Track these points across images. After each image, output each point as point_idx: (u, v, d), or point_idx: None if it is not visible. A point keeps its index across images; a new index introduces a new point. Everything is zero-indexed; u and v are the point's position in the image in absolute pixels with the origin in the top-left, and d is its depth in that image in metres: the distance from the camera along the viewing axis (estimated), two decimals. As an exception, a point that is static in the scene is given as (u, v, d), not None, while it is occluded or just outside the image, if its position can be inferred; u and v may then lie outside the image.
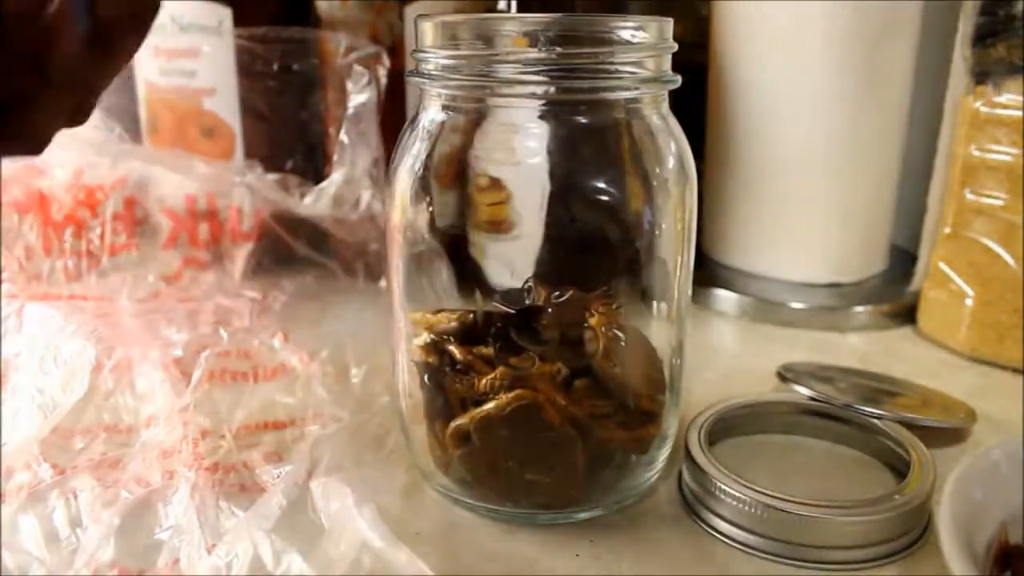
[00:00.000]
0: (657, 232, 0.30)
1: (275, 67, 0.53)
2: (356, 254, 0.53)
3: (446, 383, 0.30)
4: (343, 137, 0.50)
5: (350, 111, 0.50)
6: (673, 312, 0.32)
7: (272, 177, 0.51)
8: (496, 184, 0.31)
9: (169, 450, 0.32)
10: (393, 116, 0.55)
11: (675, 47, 0.30)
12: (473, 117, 0.29)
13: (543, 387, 0.29)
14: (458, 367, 0.30)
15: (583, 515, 0.31)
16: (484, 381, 0.29)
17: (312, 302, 0.51)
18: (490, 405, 0.29)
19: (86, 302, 0.46)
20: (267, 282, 0.52)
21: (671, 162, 0.30)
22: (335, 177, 0.50)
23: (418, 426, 0.32)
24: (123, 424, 0.35)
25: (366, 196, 0.50)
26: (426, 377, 0.31)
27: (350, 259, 0.54)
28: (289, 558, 0.27)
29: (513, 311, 0.30)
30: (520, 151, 0.30)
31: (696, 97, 0.55)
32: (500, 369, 0.29)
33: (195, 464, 0.31)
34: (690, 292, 0.33)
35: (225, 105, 0.54)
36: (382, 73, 0.49)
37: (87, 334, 0.37)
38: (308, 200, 0.50)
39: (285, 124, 0.55)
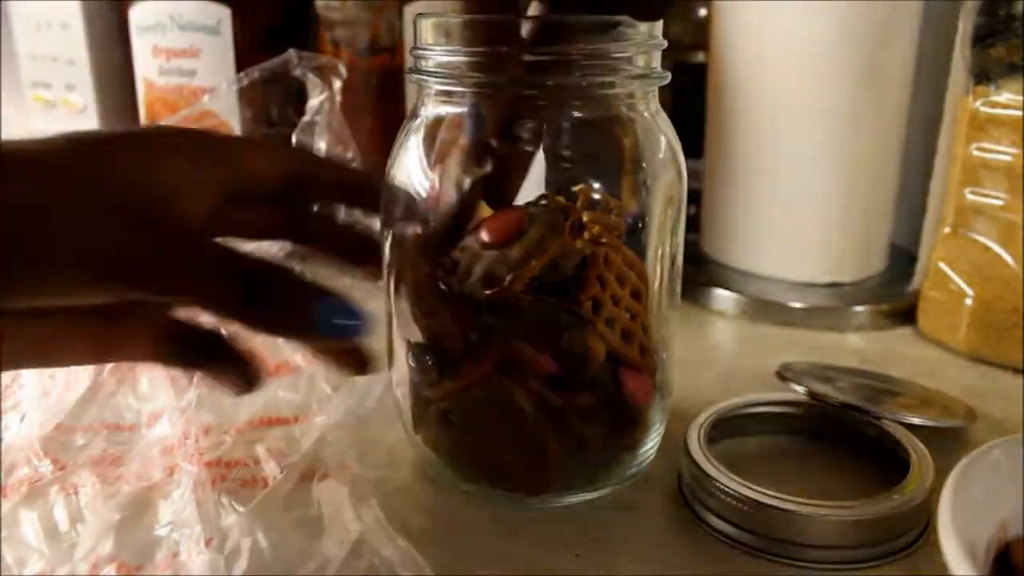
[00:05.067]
0: (641, 225, 0.31)
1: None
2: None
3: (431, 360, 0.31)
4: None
5: (301, 122, 0.48)
6: (653, 305, 0.32)
7: None
8: None
9: (170, 446, 0.32)
10: (393, 115, 0.55)
11: (664, 44, 0.30)
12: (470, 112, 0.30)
13: (520, 375, 0.30)
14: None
15: (568, 500, 0.32)
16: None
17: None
18: (465, 387, 0.30)
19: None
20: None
21: (659, 157, 0.31)
22: None
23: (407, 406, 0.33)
24: (125, 422, 0.35)
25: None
26: (411, 356, 0.32)
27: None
28: (289, 554, 0.27)
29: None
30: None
31: (696, 97, 0.55)
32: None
33: (196, 460, 0.31)
34: (678, 287, 0.34)
35: (225, 105, 0.54)
36: (336, 84, 0.49)
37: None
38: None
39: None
